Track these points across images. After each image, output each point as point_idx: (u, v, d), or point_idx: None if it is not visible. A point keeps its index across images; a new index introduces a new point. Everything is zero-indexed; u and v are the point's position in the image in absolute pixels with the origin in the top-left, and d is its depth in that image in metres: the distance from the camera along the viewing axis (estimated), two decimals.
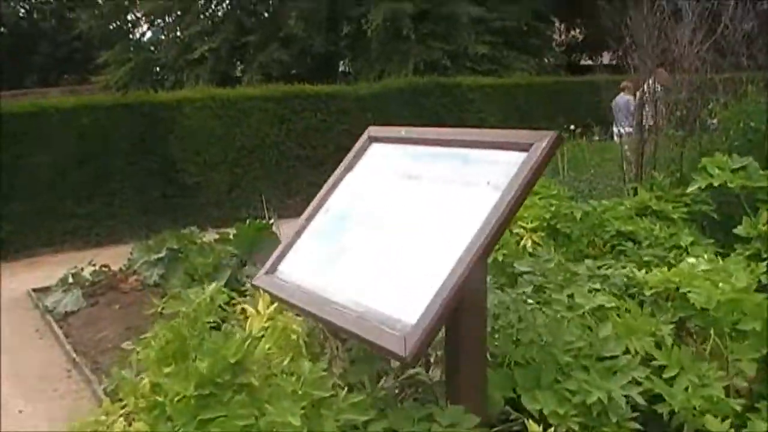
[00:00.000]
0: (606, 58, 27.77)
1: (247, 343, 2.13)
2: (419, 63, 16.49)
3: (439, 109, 12.33)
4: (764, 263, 2.48)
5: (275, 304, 2.21)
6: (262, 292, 2.12)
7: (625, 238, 3.64)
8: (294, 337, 2.17)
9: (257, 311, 2.15)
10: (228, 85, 13.29)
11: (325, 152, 11.07)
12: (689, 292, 2.26)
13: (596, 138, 9.23)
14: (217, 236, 6.08)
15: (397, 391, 2.32)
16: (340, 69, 20.23)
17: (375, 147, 2.56)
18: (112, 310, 5.88)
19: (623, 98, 9.45)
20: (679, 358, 2.13)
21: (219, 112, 10.40)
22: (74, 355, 5.15)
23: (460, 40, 16.89)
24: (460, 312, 1.88)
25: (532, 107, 13.37)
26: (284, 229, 6.35)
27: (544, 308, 2.43)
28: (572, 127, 8.43)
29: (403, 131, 2.47)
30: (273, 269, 2.44)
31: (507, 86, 14.06)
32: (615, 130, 9.34)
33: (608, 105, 8.92)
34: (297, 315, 2.26)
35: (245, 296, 3.22)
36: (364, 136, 2.62)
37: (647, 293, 2.51)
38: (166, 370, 2.25)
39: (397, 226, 2.14)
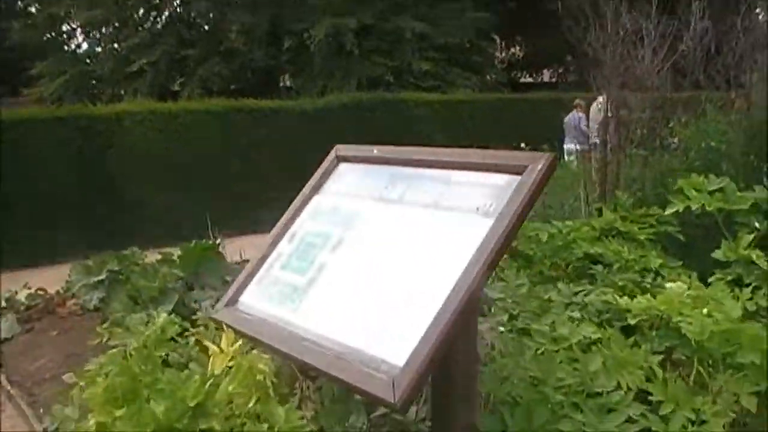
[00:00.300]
0: (546, 75, 28.31)
1: (208, 383, 1.92)
2: (362, 79, 16.40)
3: (384, 125, 12.21)
4: (748, 289, 2.39)
5: (240, 341, 2.00)
6: (225, 327, 1.91)
7: (593, 261, 3.55)
8: (260, 377, 1.96)
9: (220, 349, 1.94)
10: (167, 100, 12.90)
11: (269, 169, 10.81)
12: (681, 321, 2.15)
13: None
14: (159, 256, 5.77)
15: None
16: (281, 84, 20.02)
17: (343, 167, 2.38)
18: (49, 336, 5.49)
19: (575, 115, 9.54)
20: (674, 392, 2.01)
21: (160, 126, 10.05)
22: (9, 387, 4.76)
23: (404, 56, 16.90)
24: (452, 351, 1.71)
25: (478, 124, 13.38)
26: (229, 249, 6.08)
27: (524, 339, 2.28)
28: (522, 144, 8.42)
29: (375, 150, 2.29)
30: (234, 301, 2.23)
31: (453, 103, 14.08)
32: (566, 147, 9.39)
33: (555, 122, 8.99)
34: (263, 352, 2.05)
35: (197, 326, 2.99)
36: (331, 155, 2.44)
37: (632, 321, 2.39)
38: (117, 412, 2.01)
39: (375, 255, 1.96)
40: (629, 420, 1.90)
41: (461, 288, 1.66)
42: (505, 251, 1.76)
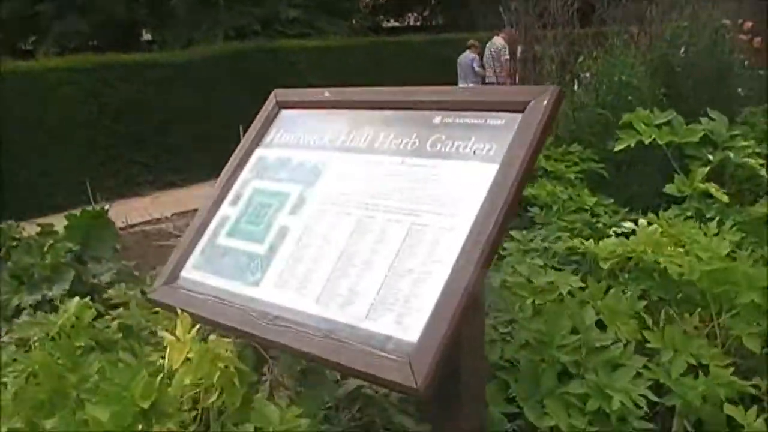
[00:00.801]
0: (411, 19, 28.22)
1: (159, 378, 1.61)
2: (229, 30, 15.65)
3: (260, 75, 11.60)
4: (713, 224, 2.30)
5: (197, 326, 1.67)
6: (180, 312, 1.59)
7: (528, 203, 3.41)
8: (222, 364, 1.65)
9: (176, 337, 1.61)
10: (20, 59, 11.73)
11: (146, 128, 10.08)
12: (665, 262, 2.02)
13: None
14: (38, 229, 5.16)
15: (334, 408, 1.89)
16: (142, 38, 18.85)
17: (287, 115, 2.06)
18: None
19: (469, 56, 9.56)
20: (671, 338, 1.88)
21: (19, 87, 9.06)
22: None
23: (271, 5, 16.23)
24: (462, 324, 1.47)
25: (362, 70, 13.02)
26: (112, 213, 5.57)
27: (504, 294, 2.09)
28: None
29: (326, 93, 1.99)
30: (174, 277, 1.89)
31: (332, 49, 13.65)
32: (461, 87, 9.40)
33: (445, 64, 8.97)
34: (221, 336, 1.74)
35: (115, 308, 2.60)
36: (269, 102, 2.10)
37: (604, 266, 2.24)
38: (48, 423, 1.67)
39: (350, 214, 1.67)
40: (637, 374, 1.75)
41: (474, 248, 1.42)
42: (518, 204, 1.52)
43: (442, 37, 15.09)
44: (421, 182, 1.61)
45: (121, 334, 2.31)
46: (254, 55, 12.30)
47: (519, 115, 1.57)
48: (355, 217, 1.66)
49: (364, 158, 1.76)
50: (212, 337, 1.67)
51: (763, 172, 2.61)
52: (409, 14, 27.39)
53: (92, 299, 2.83)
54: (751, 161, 2.61)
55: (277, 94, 2.10)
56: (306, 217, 1.75)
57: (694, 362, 1.85)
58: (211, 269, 1.84)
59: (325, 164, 1.83)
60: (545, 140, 1.56)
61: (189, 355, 1.60)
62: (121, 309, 2.51)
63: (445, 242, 1.48)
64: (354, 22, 19.70)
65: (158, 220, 8.10)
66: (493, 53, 9.39)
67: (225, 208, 1.95)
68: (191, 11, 15.87)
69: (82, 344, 2.13)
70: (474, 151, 1.58)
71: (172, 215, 8.19)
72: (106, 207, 5.51)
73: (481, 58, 9.79)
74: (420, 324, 1.40)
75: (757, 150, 2.68)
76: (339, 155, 1.82)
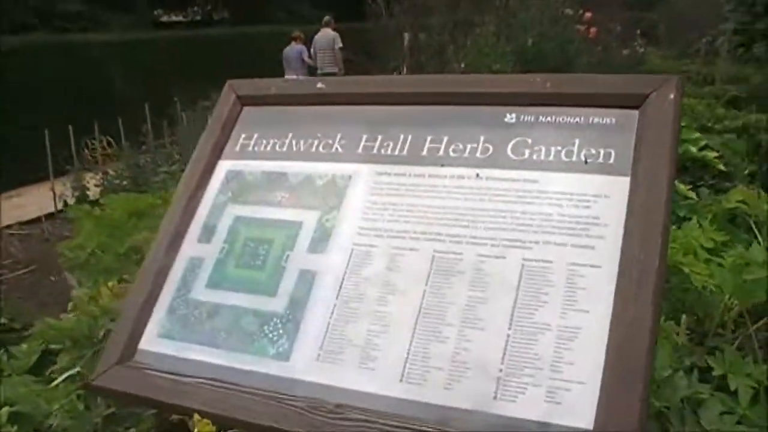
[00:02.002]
0: (191, 14, 27.09)
1: None
2: (3, 23, 13.76)
3: (55, 72, 10.18)
4: (707, 223, 2.12)
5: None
6: (196, 419, 1.02)
7: None
8: None
9: None
10: None
11: None
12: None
13: None
14: None
15: None
16: None
17: (254, 114, 1.52)
18: None
19: (296, 48, 9.36)
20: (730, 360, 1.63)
21: None
22: None
23: None
24: None
25: (168, 65, 11.89)
26: None
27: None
28: None
29: (319, 84, 1.48)
30: (129, 353, 1.29)
31: (136, 42, 12.36)
32: (288, 78, 9.19)
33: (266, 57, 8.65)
34: None
35: None
36: (226, 98, 1.55)
37: None
38: None
39: (419, 251, 1.21)
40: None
41: (641, 289, 1.04)
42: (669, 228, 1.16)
43: (238, 31, 14.35)
44: (518, 203, 1.19)
45: None
46: (42, 50, 10.76)
47: (635, 112, 1.21)
48: (425, 254, 1.19)
49: (410, 170, 1.30)
50: None
51: (721, 166, 2.50)
52: (192, 8, 26.19)
53: None
54: (709, 154, 2.49)
55: (236, 87, 1.55)
56: (340, 255, 1.25)
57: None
58: (194, 337, 1.27)
59: (346, 180, 1.33)
60: (679, 139, 1.21)
61: None
62: None
63: (588, 284, 1.08)
64: (141, 15, 18.46)
65: None
66: (324, 44, 9.30)
67: (192, 247, 1.38)
68: None
69: None
70: (585, 160, 1.20)
71: None
72: None
73: (309, 49, 9.63)
74: (590, 401, 0.99)
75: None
76: (366, 168, 1.33)
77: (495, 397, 1.04)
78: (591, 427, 0.98)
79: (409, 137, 1.34)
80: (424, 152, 1.31)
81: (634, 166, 1.16)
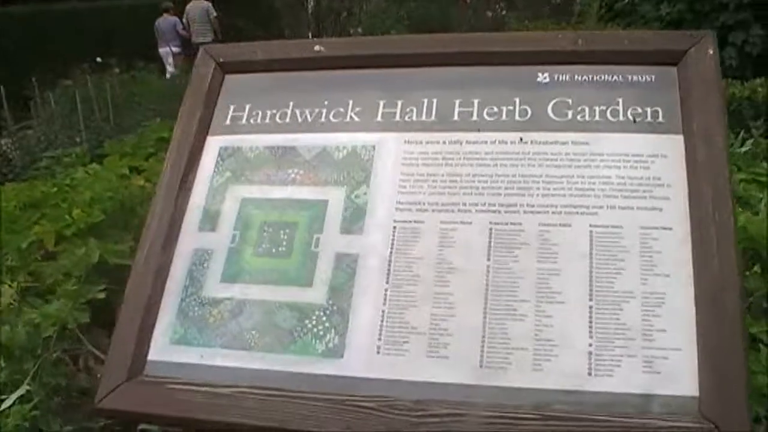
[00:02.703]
0: None
1: None
2: None
3: None
4: None
5: None
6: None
7: None
8: None
9: None
10: None
11: None
12: None
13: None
14: None
15: None
16: None
17: (240, 82, 1.35)
18: None
19: (170, 20, 9.06)
20: None
21: None
22: None
23: None
24: None
25: (19, 44, 10.65)
26: None
27: None
28: (99, 59, 6.96)
29: (316, 46, 1.33)
30: (138, 367, 1.11)
31: None
32: (161, 51, 9.25)
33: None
34: None
35: None
36: (204, 66, 1.36)
37: None
38: None
39: (473, 223, 1.11)
40: None
41: (721, 248, 1.00)
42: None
43: (97, 4, 13.13)
44: (572, 167, 1.12)
45: None
46: None
47: (673, 69, 1.17)
48: (480, 227, 1.10)
49: (443, 137, 1.19)
50: None
51: None
52: None
53: None
54: None
55: (214, 53, 1.37)
56: (381, 234, 1.13)
57: None
58: (218, 341, 1.11)
59: (370, 151, 1.21)
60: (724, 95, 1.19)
61: None
62: None
63: (662, 247, 1.04)
64: None
65: None
66: (196, 14, 9.00)
67: (193, 238, 1.20)
68: None
69: None
70: (634, 119, 1.14)
71: None
72: None
73: (181, 20, 9.28)
74: (690, 367, 0.95)
75: None
76: (391, 136, 1.21)
77: (590, 374, 0.97)
78: (697, 394, 0.94)
79: (435, 102, 1.23)
80: (455, 117, 1.21)
81: (686, 124, 1.12)
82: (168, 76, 8.58)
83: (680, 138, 1.11)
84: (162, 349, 1.12)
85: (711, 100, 1.12)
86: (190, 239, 1.20)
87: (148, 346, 1.12)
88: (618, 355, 0.98)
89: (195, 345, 1.11)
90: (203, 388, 1.06)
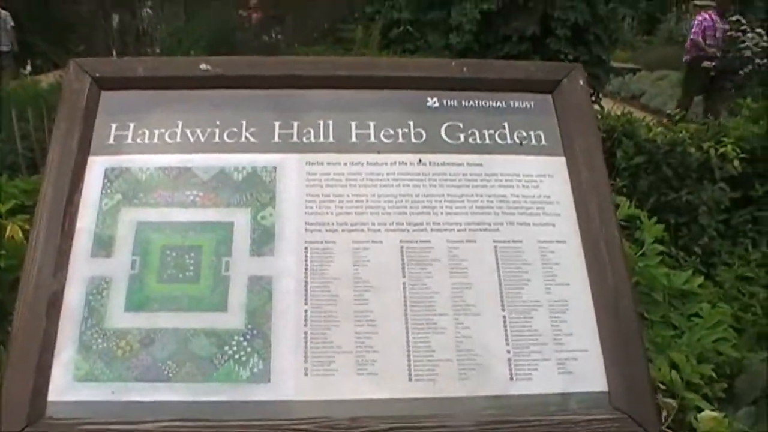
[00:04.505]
0: None
1: None
2: None
3: None
4: None
5: None
6: None
7: None
8: None
9: None
10: None
11: None
12: None
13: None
14: None
15: None
16: None
17: (119, 100, 1.27)
18: None
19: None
20: None
21: None
22: None
23: None
24: None
25: None
26: None
27: None
28: None
29: (203, 64, 1.29)
30: (37, 411, 1.00)
31: None
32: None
33: None
34: None
35: None
36: (75, 81, 1.26)
37: None
38: None
39: (383, 243, 1.14)
40: None
41: (611, 258, 1.14)
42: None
43: None
44: (470, 186, 1.20)
45: None
46: None
47: (549, 96, 1.30)
48: (391, 246, 1.14)
49: (344, 159, 1.22)
50: None
51: None
52: None
53: None
54: None
55: (87, 68, 1.28)
56: (294, 256, 1.13)
57: None
58: (129, 374, 1.04)
59: (271, 172, 1.20)
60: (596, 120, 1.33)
61: None
62: None
63: (560, 258, 1.15)
64: None
65: None
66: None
67: (86, 265, 1.11)
68: None
69: None
70: (520, 142, 1.25)
71: None
72: None
73: None
74: (597, 366, 1.07)
75: None
76: (290, 158, 1.21)
77: (512, 378, 1.05)
78: (607, 389, 1.05)
79: (330, 123, 1.25)
80: (353, 139, 1.24)
81: (567, 147, 1.25)
82: None
83: (563, 159, 1.24)
84: (65, 388, 1.03)
85: (587, 124, 1.26)
86: (82, 266, 1.11)
87: (47, 386, 1.02)
88: (534, 360, 1.07)
89: (104, 380, 1.03)
90: (121, 426, 0.99)
